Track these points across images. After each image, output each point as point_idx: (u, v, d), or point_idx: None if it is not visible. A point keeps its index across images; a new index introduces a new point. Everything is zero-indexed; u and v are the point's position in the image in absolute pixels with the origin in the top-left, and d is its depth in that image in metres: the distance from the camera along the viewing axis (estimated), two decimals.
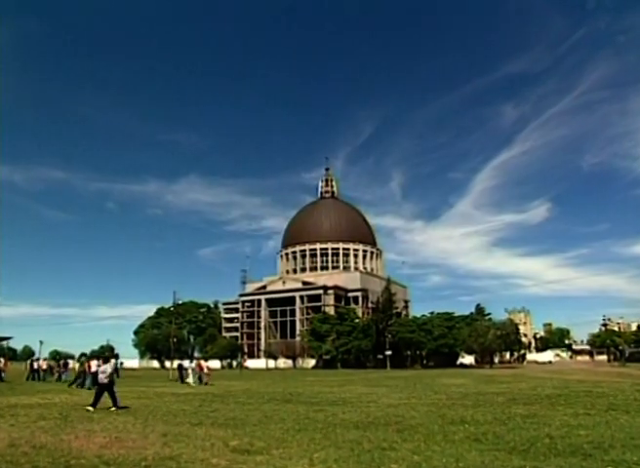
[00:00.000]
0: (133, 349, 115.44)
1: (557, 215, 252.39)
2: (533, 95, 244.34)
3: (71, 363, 41.33)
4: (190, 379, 30.67)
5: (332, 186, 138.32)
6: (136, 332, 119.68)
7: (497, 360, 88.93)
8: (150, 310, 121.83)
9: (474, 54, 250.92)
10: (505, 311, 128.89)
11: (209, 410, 14.48)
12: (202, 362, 32.96)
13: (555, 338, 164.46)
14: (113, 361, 17.74)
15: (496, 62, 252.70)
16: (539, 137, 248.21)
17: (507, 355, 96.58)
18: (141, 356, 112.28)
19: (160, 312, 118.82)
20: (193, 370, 31.45)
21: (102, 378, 14.83)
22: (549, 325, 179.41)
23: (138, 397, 20.33)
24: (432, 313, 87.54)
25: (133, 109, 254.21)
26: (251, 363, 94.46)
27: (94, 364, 26.63)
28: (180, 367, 33.18)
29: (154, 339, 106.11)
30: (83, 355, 64.32)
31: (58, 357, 68.41)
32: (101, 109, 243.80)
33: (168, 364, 74.78)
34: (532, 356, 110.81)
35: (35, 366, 36.85)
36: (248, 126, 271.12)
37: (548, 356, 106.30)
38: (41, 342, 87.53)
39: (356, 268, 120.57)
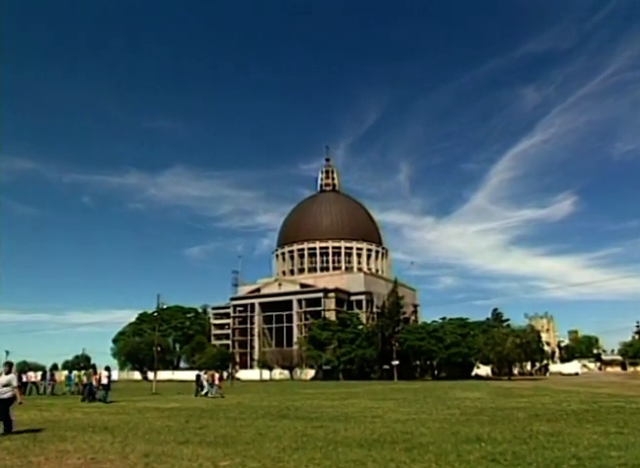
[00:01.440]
0: (111, 359, 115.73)
1: (584, 210, 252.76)
2: (557, 75, 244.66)
3: (56, 374, 42.15)
4: (206, 391, 32.54)
5: (332, 179, 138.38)
6: (115, 341, 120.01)
7: (516, 371, 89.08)
8: (131, 316, 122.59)
9: (490, 30, 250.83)
10: (526, 317, 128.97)
11: (196, 427, 14.46)
12: (215, 372, 34.78)
13: (582, 347, 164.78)
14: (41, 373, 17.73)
15: (515, 40, 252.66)
16: (563, 123, 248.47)
17: (528, 366, 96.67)
18: (121, 367, 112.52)
19: (142, 318, 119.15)
20: (207, 381, 33.16)
21: (2, 393, 12.86)
22: (575, 332, 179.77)
23: (116, 412, 20.32)
24: (444, 319, 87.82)
25: (112, 93, 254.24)
26: (243, 374, 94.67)
27: (104, 375, 27.38)
28: (199, 377, 34.63)
29: (135, 348, 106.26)
30: (80, 367, 64.69)
31: (27, 368, 68.74)
32: (76, 93, 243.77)
33: (151, 375, 74.90)
34: (556, 367, 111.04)
35: (24, 379, 37.74)
36: (239, 112, 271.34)
37: (574, 367, 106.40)
38: (7, 352, 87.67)
39: (360, 269, 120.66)
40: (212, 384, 32.61)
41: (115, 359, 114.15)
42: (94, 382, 27.82)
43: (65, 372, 41.80)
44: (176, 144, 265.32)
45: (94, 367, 31.51)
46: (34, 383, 38.08)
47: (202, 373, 34.82)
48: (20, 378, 38.04)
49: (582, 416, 16.58)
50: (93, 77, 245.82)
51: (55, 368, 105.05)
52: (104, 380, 27.15)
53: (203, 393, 32.59)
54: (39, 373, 41.64)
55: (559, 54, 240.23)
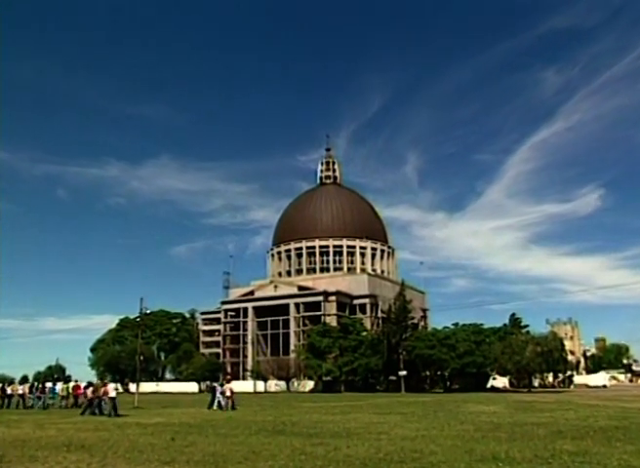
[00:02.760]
0: (89, 370, 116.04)
1: (611, 205, 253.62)
2: (582, 56, 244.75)
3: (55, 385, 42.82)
4: (222, 403, 33.69)
5: (333, 170, 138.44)
6: (93, 349, 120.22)
7: (536, 383, 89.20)
8: (111, 322, 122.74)
9: (506, 6, 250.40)
10: (547, 323, 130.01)
11: (183, 445, 14.46)
12: (227, 384, 36.10)
13: (610, 357, 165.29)
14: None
15: (534, 16, 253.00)
16: (588, 109, 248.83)
17: (550, 377, 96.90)
18: (100, 378, 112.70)
19: (123, 324, 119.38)
20: (222, 393, 34.38)
21: None
22: (602, 340, 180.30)
23: (94, 429, 20.30)
24: (456, 325, 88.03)
25: (91, 76, 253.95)
26: (235, 385, 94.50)
27: (111, 387, 29.38)
28: (214, 389, 35.87)
29: (116, 357, 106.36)
30: (58, 379, 65.14)
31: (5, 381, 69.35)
32: (51, 75, 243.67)
33: (133, 387, 74.98)
34: (581, 378, 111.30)
35: (9, 391, 38.72)
36: (231, 97, 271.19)
37: (602, 378, 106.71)
38: None
39: (363, 270, 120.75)
40: (227, 397, 33.65)
41: (93, 369, 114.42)
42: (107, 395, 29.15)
43: (49, 385, 42.34)
44: (161, 132, 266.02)
45: (102, 380, 33.00)
46: (21, 396, 38.50)
47: (217, 385, 35.50)
48: (3, 390, 38.84)
49: (611, 434, 16.56)
50: (67, 59, 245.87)
51: (25, 379, 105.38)
52: (112, 394, 28.72)
53: (215, 407, 33.44)
54: (26, 386, 42.22)
55: (584, 31, 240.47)
